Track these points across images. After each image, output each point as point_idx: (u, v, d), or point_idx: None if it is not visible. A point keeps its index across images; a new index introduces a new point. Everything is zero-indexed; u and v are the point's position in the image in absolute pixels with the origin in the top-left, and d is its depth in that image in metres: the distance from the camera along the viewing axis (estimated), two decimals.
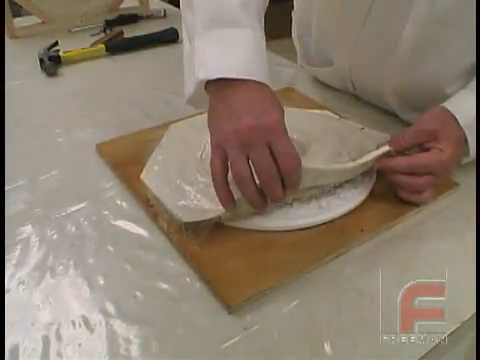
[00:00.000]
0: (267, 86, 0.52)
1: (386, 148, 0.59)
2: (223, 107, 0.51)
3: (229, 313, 0.46)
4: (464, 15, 0.60)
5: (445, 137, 0.56)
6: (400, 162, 0.57)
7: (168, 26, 1.10)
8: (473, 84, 0.59)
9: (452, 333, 0.46)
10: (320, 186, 0.57)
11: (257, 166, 0.49)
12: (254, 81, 0.51)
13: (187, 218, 0.53)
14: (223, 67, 0.51)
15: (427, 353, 0.44)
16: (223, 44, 0.53)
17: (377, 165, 0.59)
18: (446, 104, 0.58)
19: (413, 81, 0.69)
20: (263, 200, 0.51)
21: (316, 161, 0.57)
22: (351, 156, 0.59)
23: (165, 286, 0.49)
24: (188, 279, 0.50)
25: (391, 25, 0.66)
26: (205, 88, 0.53)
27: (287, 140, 0.50)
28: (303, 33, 0.86)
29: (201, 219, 0.53)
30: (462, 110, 0.57)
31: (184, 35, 0.61)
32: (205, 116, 0.53)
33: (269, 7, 0.60)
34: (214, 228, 0.54)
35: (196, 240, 0.53)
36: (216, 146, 0.50)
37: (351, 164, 0.58)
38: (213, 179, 0.51)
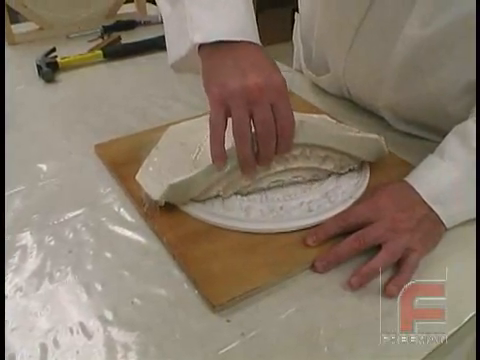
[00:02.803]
0: (263, 48, 0.53)
1: (375, 136, 0.61)
2: (226, 63, 0.51)
3: (213, 312, 0.47)
4: (458, 39, 0.58)
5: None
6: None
7: None
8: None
9: (453, 334, 0.46)
10: (303, 171, 0.59)
11: (259, 123, 0.50)
12: (251, 43, 0.52)
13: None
14: (221, 30, 0.52)
15: (429, 354, 0.44)
16: (217, 7, 0.53)
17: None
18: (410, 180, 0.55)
19: (406, 98, 0.69)
20: (254, 163, 0.53)
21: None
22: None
23: (163, 292, 0.49)
24: (186, 285, 0.50)
25: (383, 39, 0.66)
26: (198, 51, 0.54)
27: (288, 103, 0.51)
28: (307, 34, 0.87)
29: (173, 182, 0.53)
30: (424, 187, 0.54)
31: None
32: (204, 118, 0.53)
33: (265, 13, 0.61)
34: (203, 230, 0.55)
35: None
36: (219, 101, 0.51)
37: (342, 133, 0.59)
38: (211, 134, 0.52)
